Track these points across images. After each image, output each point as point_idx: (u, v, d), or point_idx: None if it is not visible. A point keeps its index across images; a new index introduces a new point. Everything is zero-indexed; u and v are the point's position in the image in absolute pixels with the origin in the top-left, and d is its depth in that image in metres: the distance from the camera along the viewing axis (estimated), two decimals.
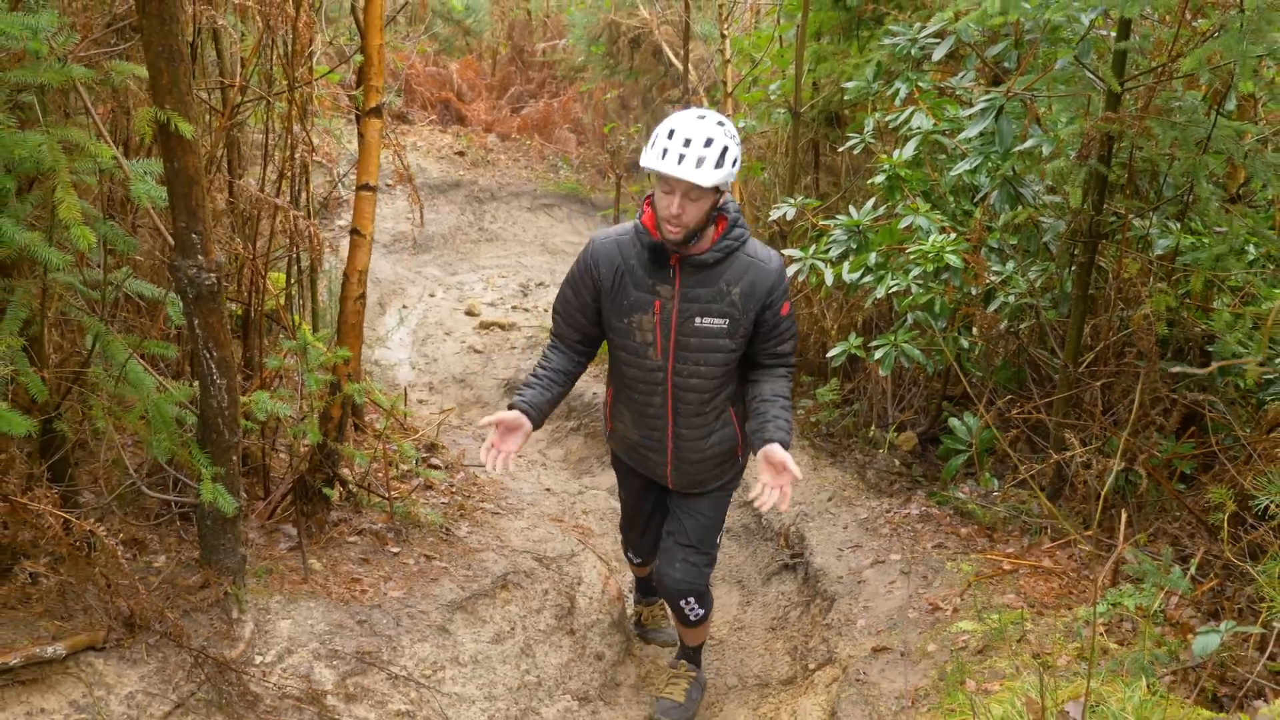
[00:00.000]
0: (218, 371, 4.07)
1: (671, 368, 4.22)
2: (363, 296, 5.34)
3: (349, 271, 5.29)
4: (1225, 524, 4.37)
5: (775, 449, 3.99)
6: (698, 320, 4.12)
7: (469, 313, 11.72)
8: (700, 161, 3.75)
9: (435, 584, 5.30)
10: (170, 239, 3.96)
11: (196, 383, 4.26)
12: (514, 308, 12.00)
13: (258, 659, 4.47)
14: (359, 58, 5.82)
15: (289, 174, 5.46)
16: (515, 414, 4.11)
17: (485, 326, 11.36)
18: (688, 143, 3.76)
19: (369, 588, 5.10)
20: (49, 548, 4.20)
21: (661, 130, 3.87)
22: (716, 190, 3.92)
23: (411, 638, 4.92)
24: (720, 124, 3.88)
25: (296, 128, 5.33)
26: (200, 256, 3.85)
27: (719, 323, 4.13)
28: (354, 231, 5.27)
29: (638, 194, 12.69)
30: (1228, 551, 4.32)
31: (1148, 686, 3.73)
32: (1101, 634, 4.48)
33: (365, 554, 5.38)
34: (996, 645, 4.57)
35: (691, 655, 5.34)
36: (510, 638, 5.32)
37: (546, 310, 11.68)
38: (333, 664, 4.63)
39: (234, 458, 4.32)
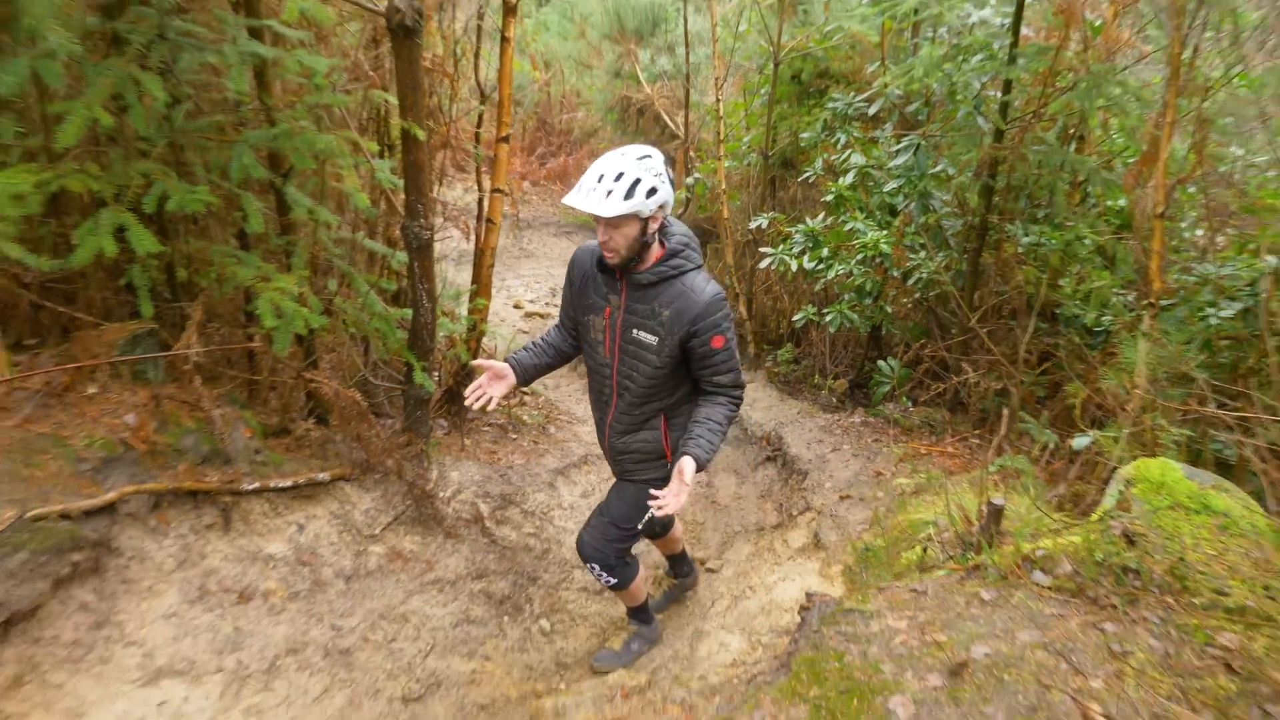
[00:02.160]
0: (426, 298, 4.68)
1: (616, 366, 3.75)
2: (492, 265, 5.93)
3: (484, 247, 5.88)
4: (1079, 407, 5.01)
5: (683, 461, 3.40)
6: (634, 331, 3.63)
7: (515, 306, 12.26)
8: (608, 194, 3.25)
9: (543, 458, 5.94)
10: (401, 209, 4.57)
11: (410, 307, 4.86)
12: (547, 304, 12.56)
13: (440, 494, 5.08)
14: (480, 107, 6.45)
15: (442, 179, 6.05)
16: (504, 365, 3.69)
17: (529, 315, 11.91)
18: (600, 178, 3.28)
19: (502, 457, 5.72)
20: (319, 411, 4.79)
21: (590, 170, 3.36)
22: (637, 219, 3.38)
23: (533, 489, 5.55)
24: (642, 158, 3.35)
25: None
26: (422, 219, 4.46)
27: (650, 338, 3.61)
28: (488, 220, 5.86)
29: None
30: (1080, 424, 4.99)
31: (1031, 500, 4.41)
32: (994, 483, 5.14)
33: (495, 438, 6.00)
34: (924, 490, 5.23)
35: (632, 614, 4.65)
36: (592, 494, 5.96)
37: None
38: (487, 501, 5.24)
39: (431, 358, 4.93)
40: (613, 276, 3.63)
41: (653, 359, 3.64)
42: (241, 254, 4.27)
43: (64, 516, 3.55)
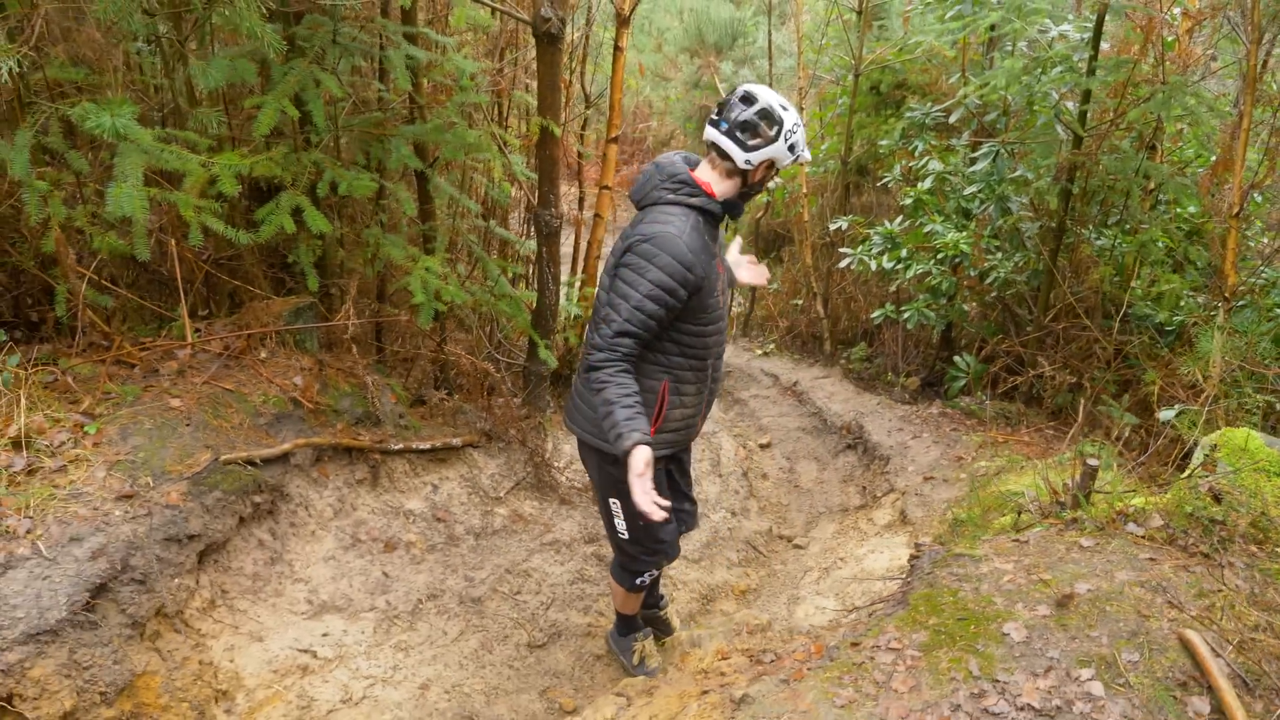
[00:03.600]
0: (552, 281, 5.04)
1: (722, 323, 3.40)
2: (600, 257, 6.29)
3: (592, 240, 6.24)
4: (1157, 392, 5.25)
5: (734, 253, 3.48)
6: (722, 266, 3.38)
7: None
8: None
9: None
10: (533, 198, 4.94)
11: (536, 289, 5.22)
12: None
13: (555, 464, 5.44)
14: (586, 112, 6.81)
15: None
16: (649, 454, 2.93)
17: None
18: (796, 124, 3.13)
19: None
20: (448, 384, 5.16)
21: (786, 121, 3.09)
22: None
23: None
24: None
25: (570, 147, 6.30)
26: (552, 209, 4.83)
27: (725, 261, 3.46)
28: (596, 215, 6.22)
29: None
30: (1157, 409, 5.23)
31: (1114, 475, 4.66)
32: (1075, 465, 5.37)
33: None
34: (1006, 471, 5.48)
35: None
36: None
37: None
38: None
39: (554, 337, 5.28)
40: (716, 230, 3.31)
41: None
42: (392, 237, 4.67)
43: (249, 463, 3.96)
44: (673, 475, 3.88)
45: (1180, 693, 2.57)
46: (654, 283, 3.06)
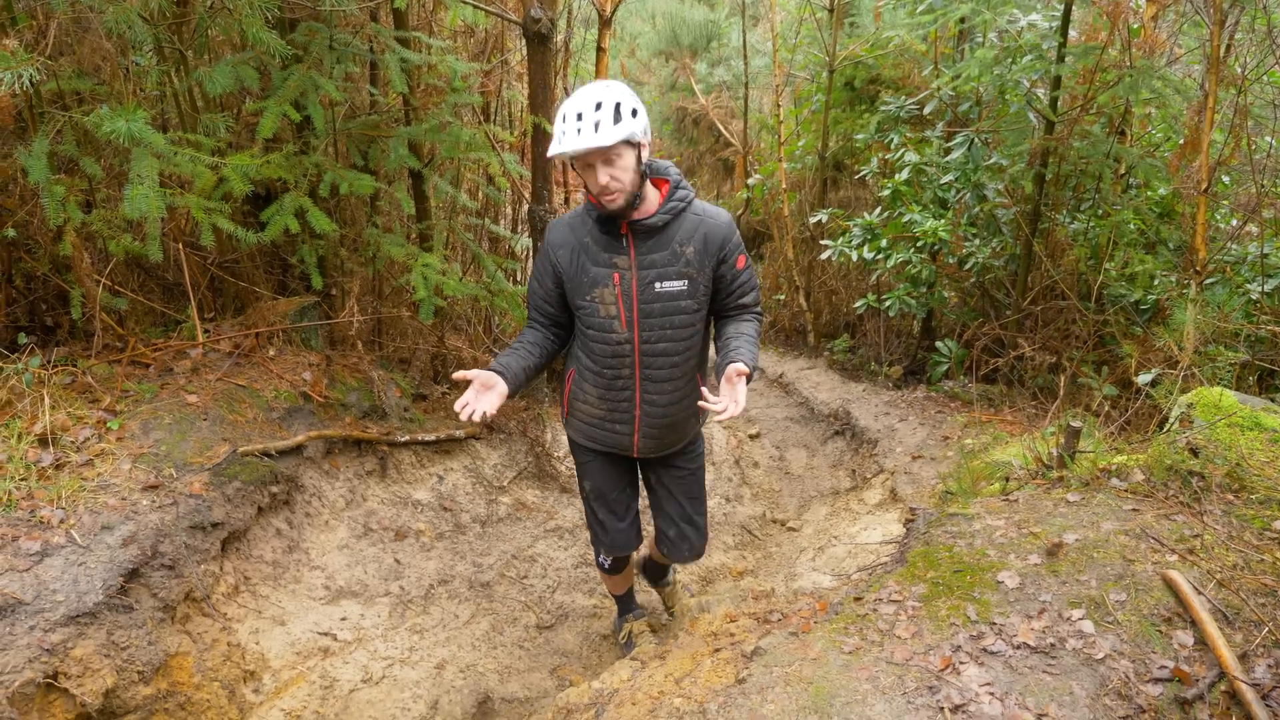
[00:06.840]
0: None
1: (638, 337, 3.26)
2: None
3: None
4: (1134, 363, 5.47)
5: (733, 365, 2.95)
6: (657, 285, 3.18)
7: None
8: (597, 125, 2.84)
9: None
10: (523, 196, 5.11)
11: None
12: None
13: (555, 454, 5.60)
14: None
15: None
16: (490, 374, 3.06)
17: None
18: (580, 116, 2.86)
19: None
20: (446, 377, 5.31)
21: (556, 120, 2.96)
22: (631, 145, 2.98)
23: None
24: (608, 86, 2.94)
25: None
26: (547, 204, 5.00)
27: (678, 285, 3.20)
28: None
29: None
30: (1135, 380, 5.44)
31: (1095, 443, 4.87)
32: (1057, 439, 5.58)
33: None
34: (991, 447, 5.68)
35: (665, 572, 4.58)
36: None
37: None
38: None
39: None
40: (613, 236, 3.18)
41: (688, 305, 3.26)
42: (390, 236, 4.83)
43: (265, 454, 4.10)
44: (654, 487, 3.87)
45: (1165, 627, 2.77)
46: (534, 264, 3.56)
